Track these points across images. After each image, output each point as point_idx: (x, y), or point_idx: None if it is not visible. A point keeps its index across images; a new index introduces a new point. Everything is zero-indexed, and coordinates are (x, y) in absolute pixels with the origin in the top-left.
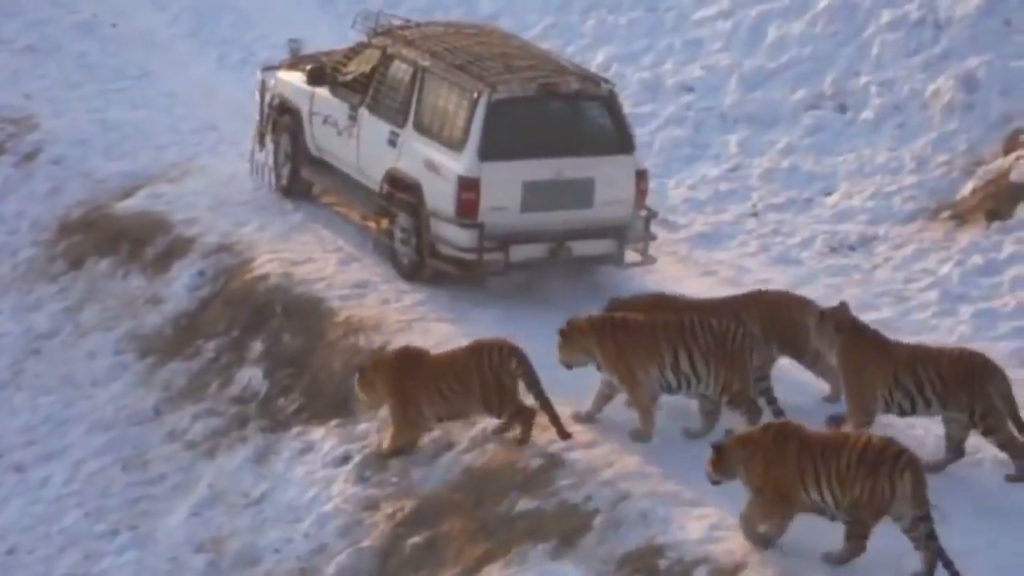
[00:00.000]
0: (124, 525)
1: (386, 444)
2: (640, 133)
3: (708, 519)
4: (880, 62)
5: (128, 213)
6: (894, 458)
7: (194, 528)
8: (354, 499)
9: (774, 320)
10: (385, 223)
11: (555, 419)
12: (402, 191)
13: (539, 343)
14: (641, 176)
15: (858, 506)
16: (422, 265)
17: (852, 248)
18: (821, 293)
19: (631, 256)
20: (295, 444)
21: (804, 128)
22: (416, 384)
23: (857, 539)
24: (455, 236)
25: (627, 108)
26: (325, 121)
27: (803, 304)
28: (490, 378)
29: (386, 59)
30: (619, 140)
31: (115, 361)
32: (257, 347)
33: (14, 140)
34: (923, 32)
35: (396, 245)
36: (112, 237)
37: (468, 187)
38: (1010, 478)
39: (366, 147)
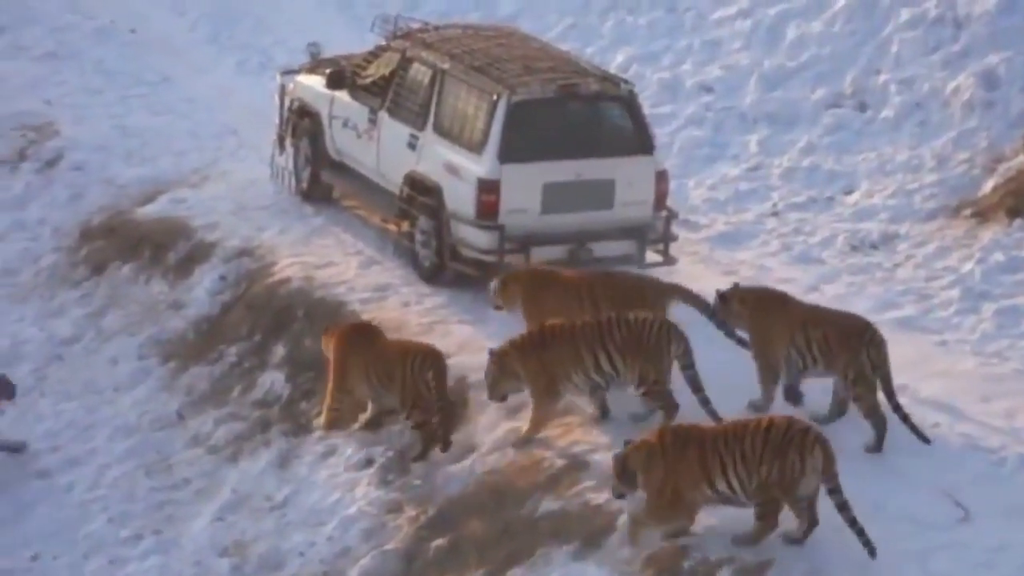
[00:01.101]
0: (148, 530)
1: (323, 418)
2: (660, 134)
3: (732, 520)
4: (900, 60)
5: (149, 218)
6: (802, 435)
7: (218, 532)
8: (377, 502)
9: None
10: (405, 226)
11: (446, 432)
12: (422, 194)
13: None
14: (661, 177)
15: (767, 486)
16: (443, 268)
17: (874, 246)
18: (843, 292)
19: (652, 257)
20: (318, 448)
21: (824, 127)
22: (356, 361)
23: (768, 517)
24: (475, 238)
25: (647, 109)
26: (345, 125)
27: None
28: (409, 381)
29: (405, 62)
30: (639, 141)
31: (138, 366)
32: (279, 351)
33: (35, 147)
34: (942, 30)
35: (416, 248)
36: (134, 243)
37: (488, 189)
38: (868, 449)
39: (386, 150)
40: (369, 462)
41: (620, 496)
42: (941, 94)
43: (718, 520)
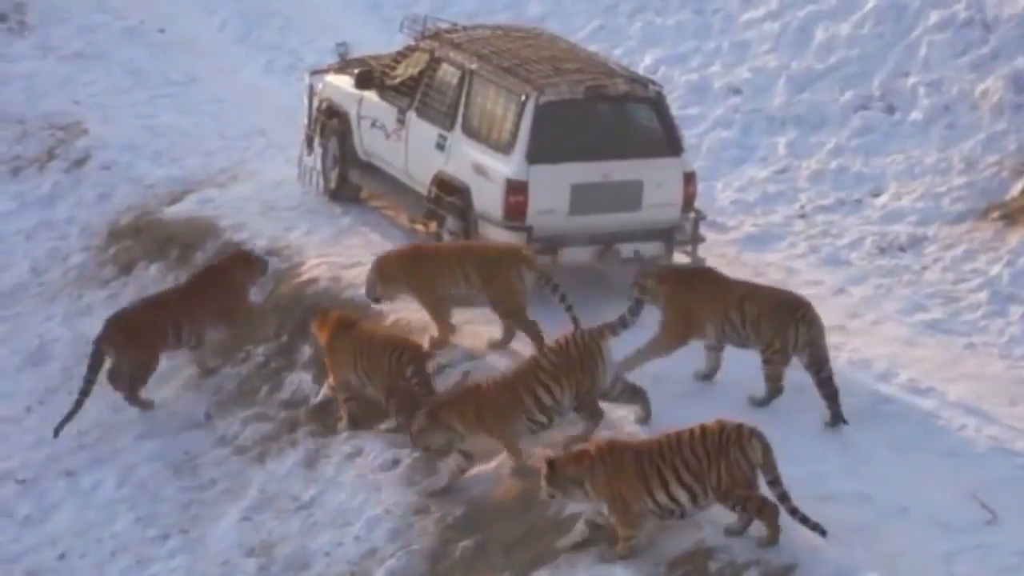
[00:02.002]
0: (175, 530)
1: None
2: (688, 135)
3: (758, 521)
4: (928, 63)
5: (177, 218)
6: (737, 432)
7: (245, 532)
8: (404, 503)
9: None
10: (433, 226)
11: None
12: (450, 194)
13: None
14: (689, 178)
15: (727, 489)
16: None
17: (902, 249)
18: (870, 294)
19: (680, 258)
20: (345, 448)
21: (852, 129)
22: (339, 346)
23: (762, 508)
24: (503, 239)
25: (675, 110)
26: (373, 125)
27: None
28: (387, 375)
29: (434, 62)
30: (667, 142)
31: (165, 366)
32: (306, 352)
33: (64, 146)
34: (971, 32)
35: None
36: (161, 242)
37: (516, 190)
38: (753, 400)
39: (414, 150)
40: (396, 463)
41: (551, 497)
42: (970, 96)
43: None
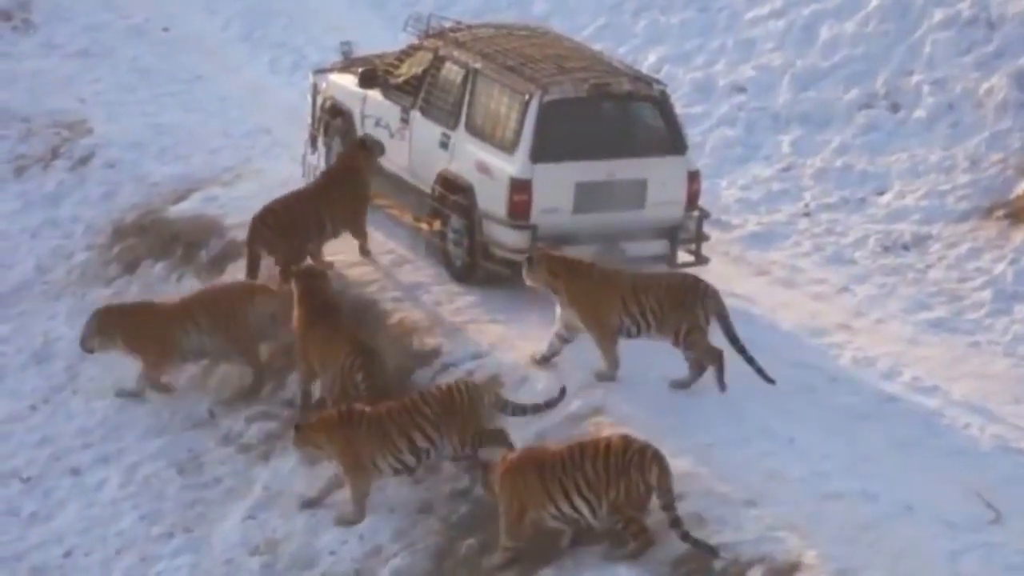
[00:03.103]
0: (179, 528)
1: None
2: (692, 133)
3: (763, 520)
4: (933, 61)
5: (182, 216)
6: (640, 454)
7: (249, 531)
8: (408, 501)
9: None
10: (437, 225)
11: None
12: (454, 193)
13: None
14: (693, 177)
15: (619, 507)
16: (474, 267)
17: (906, 247)
18: (874, 293)
19: (684, 257)
20: None
21: (857, 127)
22: (311, 335)
23: (639, 534)
24: (507, 238)
25: (679, 109)
26: (377, 123)
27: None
28: (339, 376)
29: (438, 61)
30: (671, 141)
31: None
32: None
33: (68, 144)
34: (976, 31)
35: (448, 247)
36: (166, 240)
37: (520, 189)
38: (676, 383)
39: (418, 149)
40: None
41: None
42: (974, 95)
43: (749, 519)
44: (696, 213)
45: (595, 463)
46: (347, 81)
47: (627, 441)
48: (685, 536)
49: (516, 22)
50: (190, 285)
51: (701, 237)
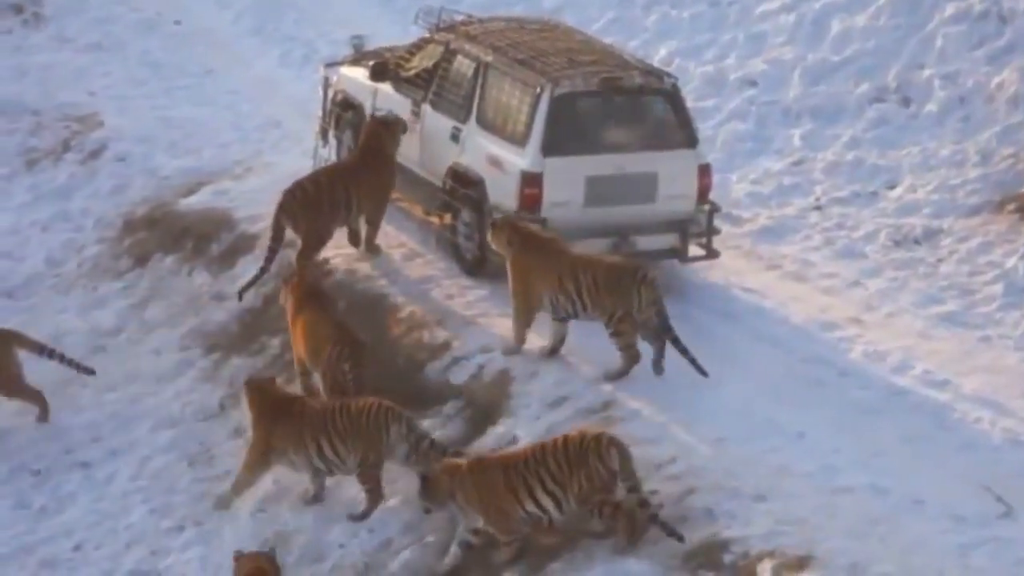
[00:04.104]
0: (190, 521)
1: None
2: (703, 127)
3: (773, 514)
4: (944, 55)
5: (192, 210)
6: (596, 441)
7: (259, 524)
8: (418, 495)
9: None
10: (448, 218)
11: None
12: (465, 186)
13: (598, 336)
14: (704, 170)
15: (585, 496)
16: (485, 260)
17: (917, 241)
18: (885, 287)
19: (695, 250)
20: None
21: (868, 121)
22: (297, 323)
23: (615, 513)
24: None
25: (690, 102)
26: None
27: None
28: (328, 366)
29: (449, 55)
30: (682, 134)
31: (180, 357)
32: None
33: (79, 138)
34: (987, 25)
35: (459, 240)
36: (177, 234)
37: (531, 182)
38: (609, 377)
39: (429, 142)
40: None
41: (427, 511)
42: (985, 89)
43: (759, 513)
44: (707, 207)
45: (555, 457)
46: (358, 74)
47: (583, 432)
48: (653, 518)
49: (527, 15)
50: (200, 279)
51: (712, 231)
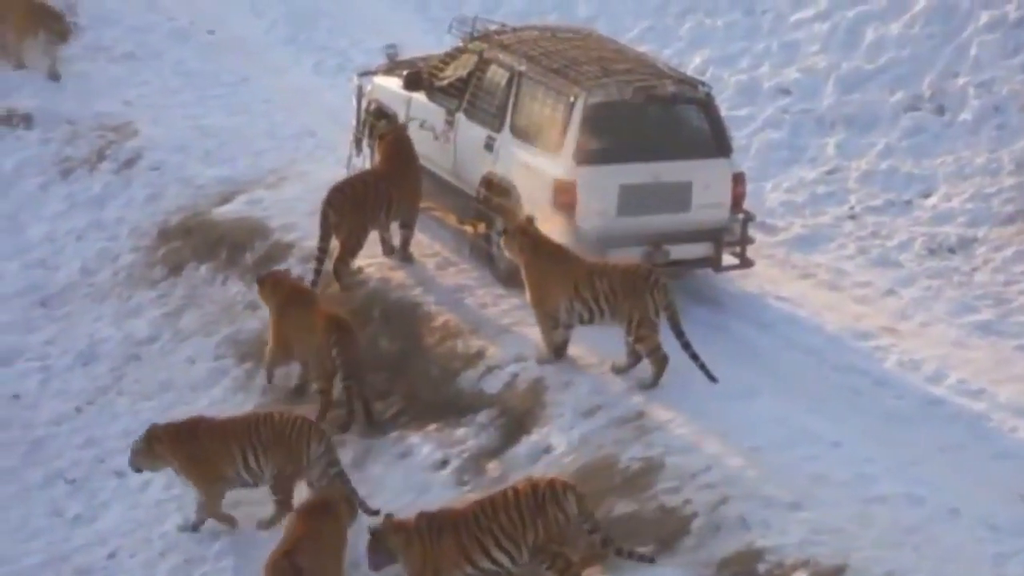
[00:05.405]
0: (223, 530)
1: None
2: (737, 136)
3: (808, 523)
4: (978, 63)
5: (227, 219)
6: (551, 489)
7: None
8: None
9: None
10: (482, 227)
11: (367, 405)
12: (499, 195)
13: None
14: (738, 179)
15: (541, 547)
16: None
17: (951, 250)
18: (920, 295)
19: (728, 259)
20: (394, 449)
21: (902, 130)
22: (293, 314)
23: (567, 568)
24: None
25: (724, 111)
26: (422, 126)
27: None
28: (322, 351)
29: (483, 64)
30: (716, 143)
31: (214, 366)
32: None
33: (114, 147)
34: (1021, 33)
35: (493, 249)
36: (211, 243)
37: (565, 191)
38: (644, 386)
39: (463, 151)
40: (444, 463)
41: (376, 569)
42: (1020, 97)
43: (794, 522)
44: (741, 216)
45: (508, 511)
46: (392, 84)
47: (533, 482)
48: (619, 551)
49: (561, 24)
50: (235, 288)
51: (746, 240)
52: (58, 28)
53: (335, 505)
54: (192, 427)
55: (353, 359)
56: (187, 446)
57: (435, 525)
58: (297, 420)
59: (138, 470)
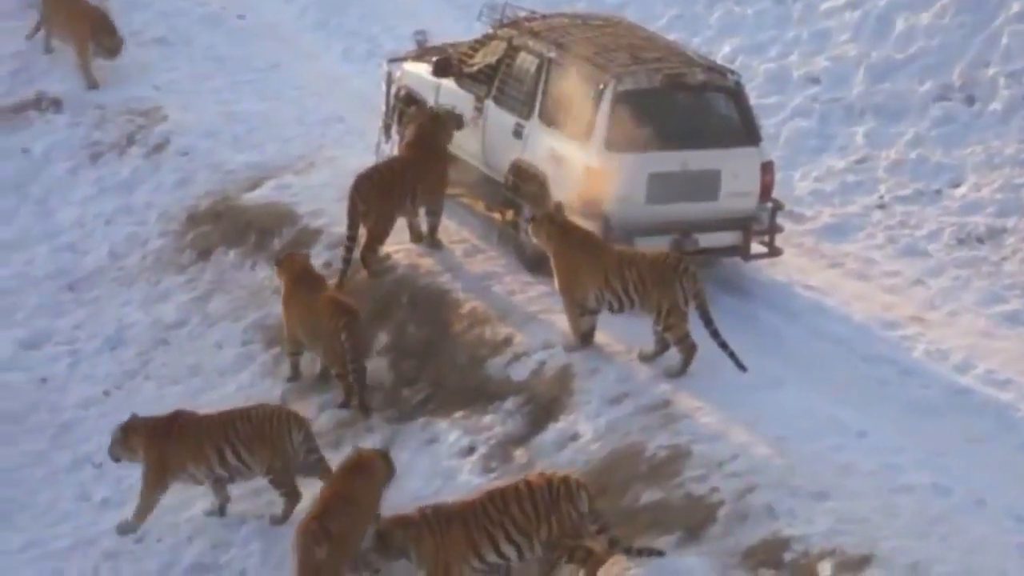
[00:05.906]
0: (250, 515)
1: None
2: (766, 125)
3: (834, 512)
4: (1009, 53)
5: (255, 204)
6: (565, 486)
7: None
8: (479, 490)
9: None
10: (510, 214)
11: (360, 391)
12: (527, 182)
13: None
14: (767, 168)
15: (552, 542)
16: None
17: (980, 240)
18: (948, 285)
19: (757, 248)
20: (421, 435)
21: (932, 120)
22: (298, 296)
23: (587, 558)
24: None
25: (753, 99)
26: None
27: None
28: (330, 334)
29: (512, 50)
30: (745, 132)
31: (242, 351)
32: (383, 338)
33: (143, 132)
34: None
35: (521, 236)
36: (240, 228)
37: (593, 178)
38: (671, 374)
39: (492, 138)
40: (471, 450)
41: (375, 572)
42: None
43: (820, 512)
44: (770, 204)
45: (521, 505)
46: (421, 70)
47: (547, 477)
48: (629, 550)
49: (590, 12)
50: (263, 273)
51: (775, 228)
52: (108, 44)
53: (371, 464)
54: (168, 424)
55: (359, 344)
56: (160, 443)
57: (442, 516)
58: (275, 413)
59: (116, 459)
